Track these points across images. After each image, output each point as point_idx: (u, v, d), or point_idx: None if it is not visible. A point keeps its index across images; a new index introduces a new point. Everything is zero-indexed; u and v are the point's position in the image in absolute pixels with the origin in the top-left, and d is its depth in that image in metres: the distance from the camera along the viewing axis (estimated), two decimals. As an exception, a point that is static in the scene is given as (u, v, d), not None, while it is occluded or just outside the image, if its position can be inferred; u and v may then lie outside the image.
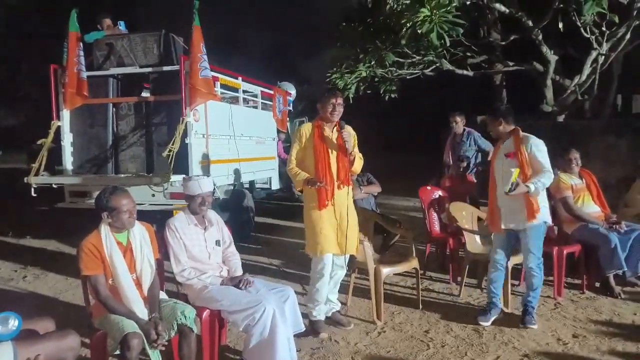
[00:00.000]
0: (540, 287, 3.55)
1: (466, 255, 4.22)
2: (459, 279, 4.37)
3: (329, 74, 8.36)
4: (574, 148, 4.44)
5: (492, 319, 3.56)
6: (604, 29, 7.76)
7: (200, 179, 3.04)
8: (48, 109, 5.63)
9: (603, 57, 8.39)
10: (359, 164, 3.51)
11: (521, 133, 3.55)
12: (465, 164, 5.35)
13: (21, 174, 5.45)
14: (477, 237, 4.35)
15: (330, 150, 3.35)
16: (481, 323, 3.51)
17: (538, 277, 3.50)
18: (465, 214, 4.45)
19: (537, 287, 3.52)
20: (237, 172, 6.12)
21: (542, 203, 3.50)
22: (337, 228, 3.38)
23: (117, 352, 2.35)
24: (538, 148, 3.46)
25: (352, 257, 3.64)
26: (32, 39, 14.30)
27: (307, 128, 3.43)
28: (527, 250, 3.49)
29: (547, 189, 4.55)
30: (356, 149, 3.48)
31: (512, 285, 4.31)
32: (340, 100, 3.37)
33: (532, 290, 3.52)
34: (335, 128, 3.42)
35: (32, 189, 5.27)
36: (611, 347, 3.15)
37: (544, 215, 3.49)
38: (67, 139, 5.61)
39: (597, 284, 4.28)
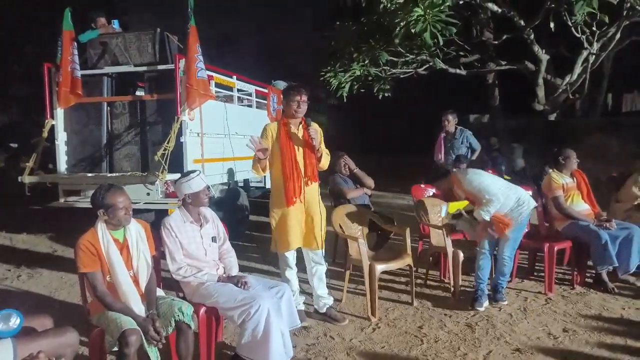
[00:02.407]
0: (509, 273, 3.96)
1: (429, 247, 4.44)
2: (448, 275, 4.50)
3: (323, 73, 8.40)
4: (569, 147, 4.51)
5: (485, 303, 3.76)
6: (594, 28, 7.87)
7: (200, 173, 3.06)
8: (39, 108, 5.61)
9: (594, 56, 8.50)
10: (326, 159, 3.54)
11: (457, 176, 3.92)
12: (465, 165, 5.42)
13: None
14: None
15: (297, 148, 3.37)
16: (477, 308, 3.70)
17: (509, 266, 3.88)
18: (436, 210, 4.56)
19: (507, 274, 3.91)
20: (231, 171, 6.14)
21: (526, 199, 3.80)
22: (304, 224, 3.45)
23: (116, 348, 2.37)
24: (476, 182, 3.78)
25: (327, 252, 3.70)
26: (23, 37, 14.20)
27: (272, 127, 3.43)
28: (506, 238, 3.76)
29: (539, 188, 4.67)
30: (322, 146, 3.50)
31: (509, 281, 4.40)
32: (304, 97, 3.38)
33: (503, 276, 3.89)
34: (301, 125, 3.44)
35: (26, 188, 5.26)
36: (600, 341, 3.22)
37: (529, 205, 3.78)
38: (61, 137, 5.59)
39: (590, 280, 4.35)
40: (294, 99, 3.36)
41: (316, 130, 3.39)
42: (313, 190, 3.47)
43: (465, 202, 3.73)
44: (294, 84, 3.56)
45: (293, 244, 3.43)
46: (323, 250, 3.58)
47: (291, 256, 3.53)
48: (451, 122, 5.93)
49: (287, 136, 3.37)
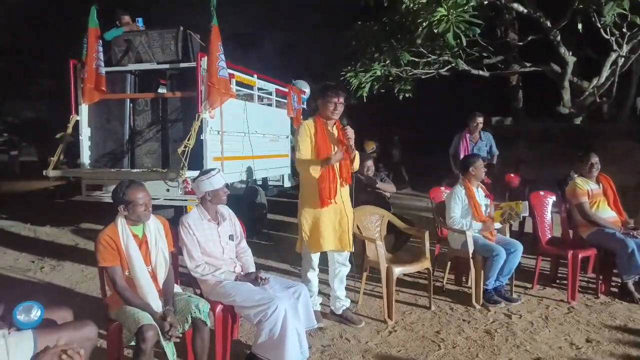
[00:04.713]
0: None
1: (448, 251, 4.35)
2: (463, 278, 4.47)
3: (344, 73, 8.36)
4: (593, 152, 4.39)
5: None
6: (624, 30, 7.64)
7: (219, 171, 3.07)
8: (65, 103, 5.73)
9: (623, 59, 8.25)
10: (357, 161, 3.52)
11: None
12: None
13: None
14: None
15: (333, 148, 3.33)
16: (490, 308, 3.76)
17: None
18: None
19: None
20: (250, 169, 6.16)
21: None
22: (337, 225, 3.40)
23: (133, 343, 2.39)
24: None
25: (351, 254, 3.62)
26: (49, 34, 14.52)
27: (310, 125, 3.38)
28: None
29: (562, 194, 4.57)
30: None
31: (525, 287, 4.31)
32: (342, 99, 3.34)
33: (510, 272, 3.99)
34: (335, 126, 3.41)
35: (51, 181, 5.39)
36: (625, 353, 3.12)
37: None
38: (85, 133, 5.70)
39: (616, 289, 4.22)
40: (331, 101, 3.31)
41: (352, 131, 3.34)
42: (346, 191, 3.44)
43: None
44: (331, 84, 3.53)
45: (325, 245, 3.37)
46: (348, 252, 3.54)
47: (316, 258, 3.50)
48: (481, 124, 6.01)
49: (324, 136, 3.33)
